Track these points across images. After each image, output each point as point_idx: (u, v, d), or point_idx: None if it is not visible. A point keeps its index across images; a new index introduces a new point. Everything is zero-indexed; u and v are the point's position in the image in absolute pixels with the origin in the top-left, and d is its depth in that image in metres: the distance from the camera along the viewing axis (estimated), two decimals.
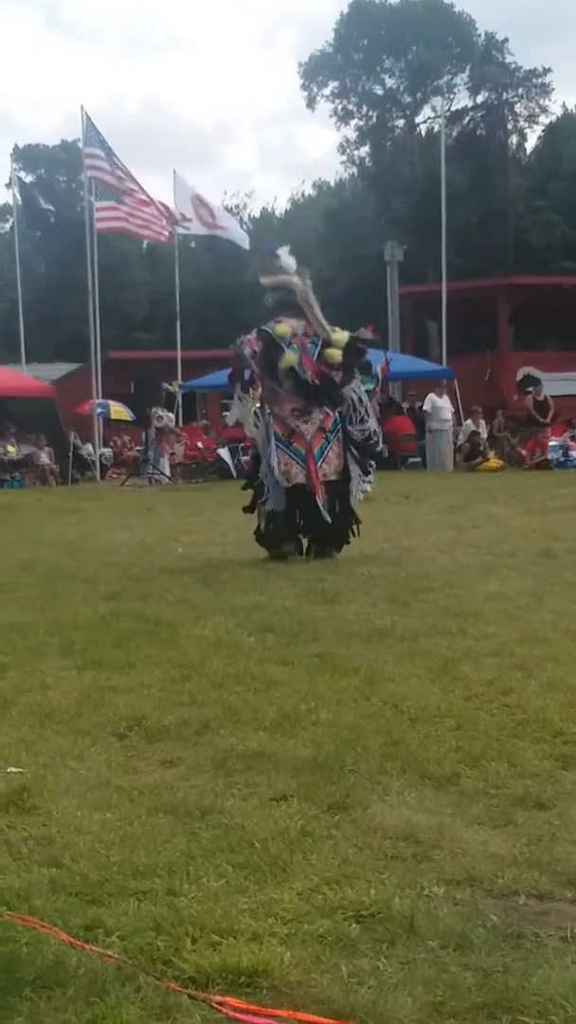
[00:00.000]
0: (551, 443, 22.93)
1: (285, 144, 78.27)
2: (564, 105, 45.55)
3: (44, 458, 23.90)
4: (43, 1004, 2.23)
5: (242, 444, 17.66)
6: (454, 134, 42.31)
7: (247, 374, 8.90)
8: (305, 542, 8.90)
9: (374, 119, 45.59)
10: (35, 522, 13.23)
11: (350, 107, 45.27)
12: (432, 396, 23.63)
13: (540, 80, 44.09)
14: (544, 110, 44.54)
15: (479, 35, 44.53)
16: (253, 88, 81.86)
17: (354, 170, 46.80)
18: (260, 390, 8.92)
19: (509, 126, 44.50)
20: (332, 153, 79.51)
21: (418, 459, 24.41)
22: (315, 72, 45.08)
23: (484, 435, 23.65)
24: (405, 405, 26.61)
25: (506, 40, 44.38)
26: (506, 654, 5.08)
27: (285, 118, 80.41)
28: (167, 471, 22.55)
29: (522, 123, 44.94)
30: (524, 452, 23.05)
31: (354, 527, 8.88)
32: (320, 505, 8.69)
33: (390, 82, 45.25)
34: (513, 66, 44.22)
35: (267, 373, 8.85)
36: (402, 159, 43.61)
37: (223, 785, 3.45)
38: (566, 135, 43.24)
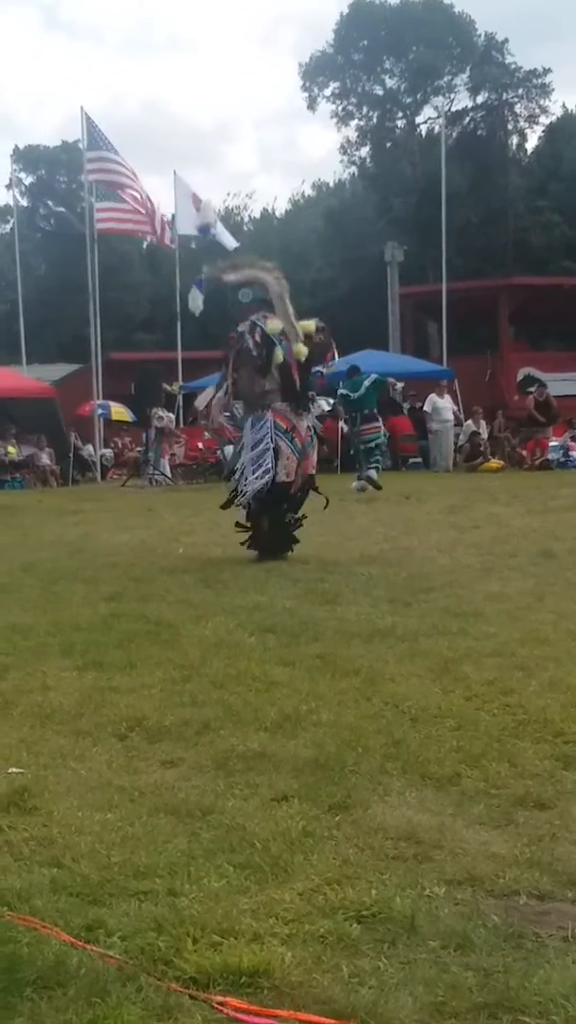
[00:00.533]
0: (552, 443, 22.93)
1: (286, 145, 78.26)
2: (564, 105, 45.54)
3: (45, 459, 23.91)
4: (44, 1004, 2.23)
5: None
6: (454, 134, 42.29)
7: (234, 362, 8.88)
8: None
9: (374, 120, 45.58)
10: (36, 523, 13.23)
11: (350, 108, 45.26)
12: (433, 396, 23.65)
13: (540, 80, 44.08)
14: (544, 110, 44.53)
15: (479, 35, 44.52)
16: (253, 88, 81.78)
17: (354, 170, 46.82)
18: (235, 384, 8.92)
19: (509, 126, 44.48)
20: (333, 154, 79.55)
21: (419, 459, 24.42)
22: (315, 73, 45.07)
23: (485, 435, 23.65)
24: (406, 406, 26.62)
25: (506, 40, 44.39)
26: (507, 654, 5.08)
27: (286, 118, 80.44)
28: (168, 472, 22.56)
29: (522, 123, 44.92)
30: (525, 452, 23.05)
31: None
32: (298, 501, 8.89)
33: (390, 83, 45.24)
34: (513, 66, 44.21)
35: (260, 370, 8.83)
36: (402, 159, 43.58)
37: (224, 785, 3.45)
38: (566, 135, 43.22)
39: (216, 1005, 2.19)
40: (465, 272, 33.51)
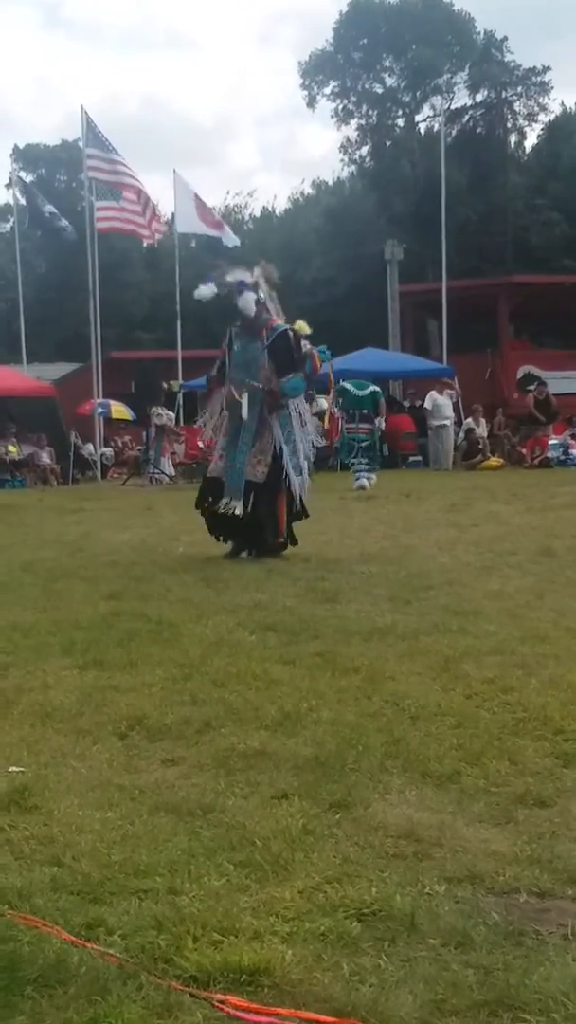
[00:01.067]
0: (551, 441, 22.95)
1: (286, 143, 78.28)
2: (563, 104, 45.62)
3: (45, 458, 23.92)
4: (45, 1003, 2.23)
5: None
6: (454, 133, 42.29)
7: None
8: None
9: (374, 118, 45.57)
10: (36, 522, 13.24)
11: (350, 106, 45.25)
12: (433, 394, 23.66)
13: (539, 78, 44.08)
14: (543, 108, 44.54)
15: (478, 33, 44.51)
16: (253, 86, 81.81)
17: (354, 169, 46.81)
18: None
19: (508, 124, 44.49)
20: (333, 152, 79.58)
21: (418, 458, 24.44)
22: (315, 71, 45.06)
23: (484, 433, 23.66)
24: (406, 403, 26.63)
25: (505, 39, 44.40)
26: (507, 652, 5.08)
27: (285, 117, 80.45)
28: (168, 470, 22.56)
29: (521, 121, 44.94)
30: (524, 451, 23.06)
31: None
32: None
33: (390, 81, 45.23)
34: (512, 64, 44.20)
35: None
36: (402, 158, 43.57)
37: (224, 784, 3.45)
38: (565, 134, 43.23)
39: (217, 1003, 2.19)
40: (465, 270, 33.55)
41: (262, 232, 47.37)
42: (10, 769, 3.65)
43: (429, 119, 44.02)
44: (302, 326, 9.02)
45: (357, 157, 46.32)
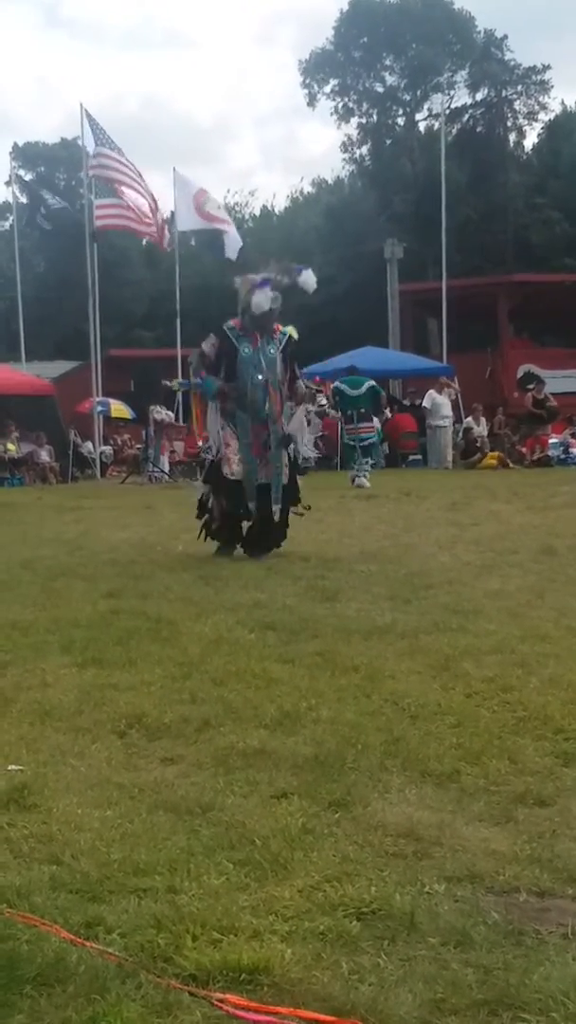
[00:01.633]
0: (551, 440, 22.96)
1: (286, 141, 78.25)
2: (563, 102, 45.65)
3: (44, 456, 23.92)
4: (44, 1001, 2.23)
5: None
6: (454, 131, 42.34)
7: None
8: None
9: (374, 117, 45.59)
10: (35, 520, 13.23)
11: (350, 105, 45.28)
12: (432, 393, 23.66)
13: (539, 77, 44.14)
14: (543, 107, 44.62)
15: (478, 32, 44.56)
16: (253, 85, 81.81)
17: (354, 167, 46.82)
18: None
19: (509, 123, 44.52)
20: (333, 151, 79.46)
21: (418, 456, 24.44)
22: (315, 70, 45.10)
23: (484, 432, 23.66)
24: (406, 402, 26.63)
25: (505, 37, 44.49)
26: (507, 651, 5.08)
27: (285, 115, 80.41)
28: (167, 469, 22.55)
29: (521, 120, 45.00)
30: (524, 450, 23.06)
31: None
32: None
33: (390, 79, 45.27)
34: (512, 63, 44.27)
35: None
36: (402, 156, 43.60)
37: (224, 783, 3.45)
38: (565, 132, 43.24)
39: (216, 1002, 2.19)
40: (465, 269, 33.57)
41: (262, 231, 47.35)
42: (9, 767, 3.64)
43: (429, 118, 44.05)
44: (292, 331, 9.00)
45: (357, 156, 46.40)
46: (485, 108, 44.24)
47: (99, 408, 25.57)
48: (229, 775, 3.52)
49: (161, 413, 22.71)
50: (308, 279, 8.90)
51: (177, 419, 24.07)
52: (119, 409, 27.78)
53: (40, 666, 5.06)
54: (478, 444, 22.97)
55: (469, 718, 4.04)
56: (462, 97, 44.68)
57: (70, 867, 2.84)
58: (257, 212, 52.19)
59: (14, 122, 76.26)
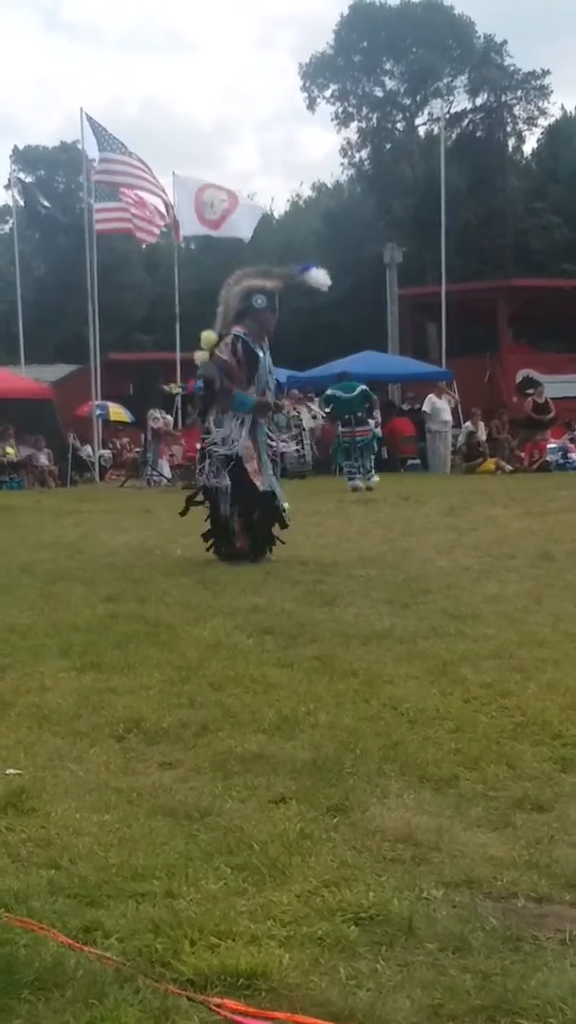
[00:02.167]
0: (550, 445, 22.97)
1: (286, 145, 78.35)
2: (563, 107, 45.67)
3: (43, 460, 23.91)
4: (41, 1006, 2.23)
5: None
6: (453, 136, 42.38)
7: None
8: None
9: (374, 121, 45.65)
10: (34, 524, 13.23)
11: (350, 109, 45.34)
12: (431, 397, 23.66)
13: (539, 82, 44.22)
14: (543, 112, 44.68)
15: (478, 37, 44.63)
16: (253, 89, 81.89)
17: (353, 172, 46.86)
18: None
19: (508, 128, 44.58)
20: (332, 155, 79.60)
21: (417, 461, 24.45)
22: (315, 74, 45.16)
23: (483, 437, 23.67)
24: (405, 407, 26.64)
25: (505, 42, 44.54)
26: (505, 656, 5.08)
27: (285, 120, 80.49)
28: (166, 473, 22.55)
29: (521, 125, 45.05)
30: (523, 454, 23.07)
31: None
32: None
33: (390, 84, 45.34)
34: (512, 68, 44.34)
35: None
36: (402, 161, 43.64)
37: (222, 787, 3.45)
38: (565, 137, 43.32)
39: (214, 1007, 2.19)
40: (464, 274, 33.56)
41: (261, 234, 47.30)
42: (7, 771, 3.64)
43: (429, 122, 44.11)
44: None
45: (357, 160, 46.42)
46: (485, 113, 44.30)
47: (98, 412, 25.58)
48: (227, 780, 3.52)
49: (159, 420, 22.70)
50: (319, 276, 8.83)
51: (176, 424, 24.06)
52: (118, 413, 27.79)
53: (38, 670, 5.06)
54: (481, 448, 22.99)
55: (467, 723, 4.04)
56: (462, 102, 44.81)
57: (68, 871, 2.84)
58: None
59: (15, 125, 76.36)
